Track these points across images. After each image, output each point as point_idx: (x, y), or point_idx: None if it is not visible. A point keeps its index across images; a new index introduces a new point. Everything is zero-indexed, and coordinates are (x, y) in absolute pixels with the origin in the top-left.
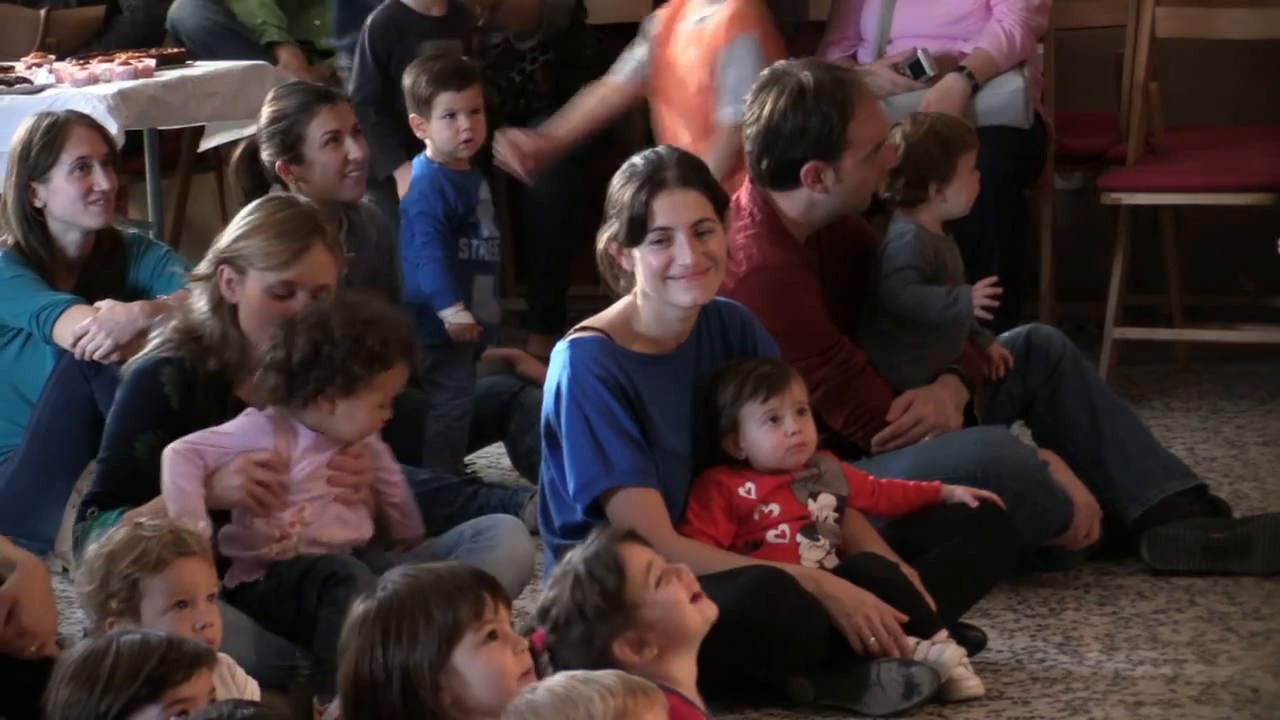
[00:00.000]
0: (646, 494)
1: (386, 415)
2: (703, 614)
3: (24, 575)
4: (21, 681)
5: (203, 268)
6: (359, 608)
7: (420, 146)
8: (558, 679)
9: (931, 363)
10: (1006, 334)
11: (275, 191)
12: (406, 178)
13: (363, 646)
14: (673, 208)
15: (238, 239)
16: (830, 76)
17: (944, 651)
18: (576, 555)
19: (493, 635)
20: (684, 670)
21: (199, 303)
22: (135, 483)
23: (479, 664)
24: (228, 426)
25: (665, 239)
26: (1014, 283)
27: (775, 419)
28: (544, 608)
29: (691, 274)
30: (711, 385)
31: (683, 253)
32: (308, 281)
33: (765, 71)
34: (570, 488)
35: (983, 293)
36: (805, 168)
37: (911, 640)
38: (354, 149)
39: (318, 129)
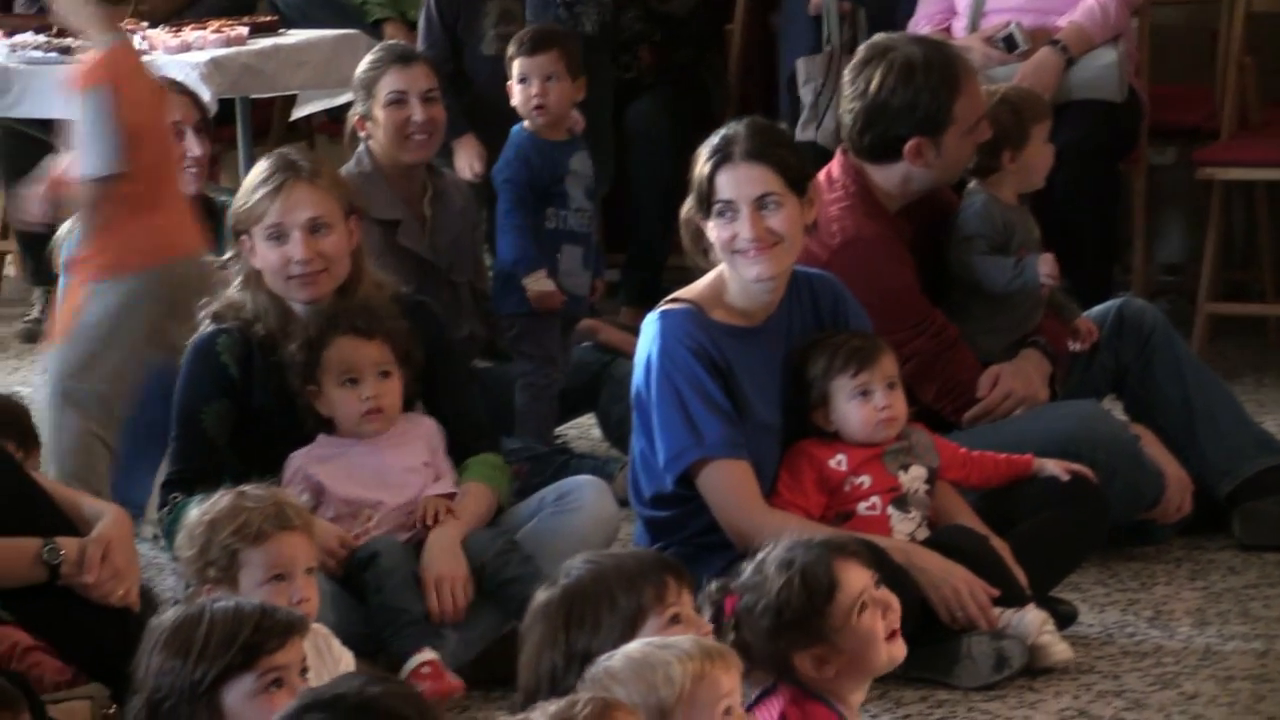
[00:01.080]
0: (737, 465)
1: None
2: (891, 655)
3: (114, 520)
4: (108, 644)
5: (231, 246)
6: (541, 595)
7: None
8: (634, 645)
9: (1005, 334)
10: (1098, 308)
11: (359, 150)
12: (468, 150)
13: (545, 633)
14: (735, 182)
15: (235, 207)
16: (938, 53)
17: (1026, 618)
18: (800, 551)
19: (676, 619)
20: (856, 696)
21: (235, 279)
22: (208, 455)
23: None
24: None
25: (729, 212)
26: (1107, 257)
27: (865, 393)
28: (746, 585)
29: (755, 249)
30: (802, 358)
31: (744, 227)
32: (292, 219)
33: (864, 47)
34: (661, 459)
35: (1049, 266)
36: (909, 144)
37: (997, 610)
38: (418, 112)
39: (385, 88)
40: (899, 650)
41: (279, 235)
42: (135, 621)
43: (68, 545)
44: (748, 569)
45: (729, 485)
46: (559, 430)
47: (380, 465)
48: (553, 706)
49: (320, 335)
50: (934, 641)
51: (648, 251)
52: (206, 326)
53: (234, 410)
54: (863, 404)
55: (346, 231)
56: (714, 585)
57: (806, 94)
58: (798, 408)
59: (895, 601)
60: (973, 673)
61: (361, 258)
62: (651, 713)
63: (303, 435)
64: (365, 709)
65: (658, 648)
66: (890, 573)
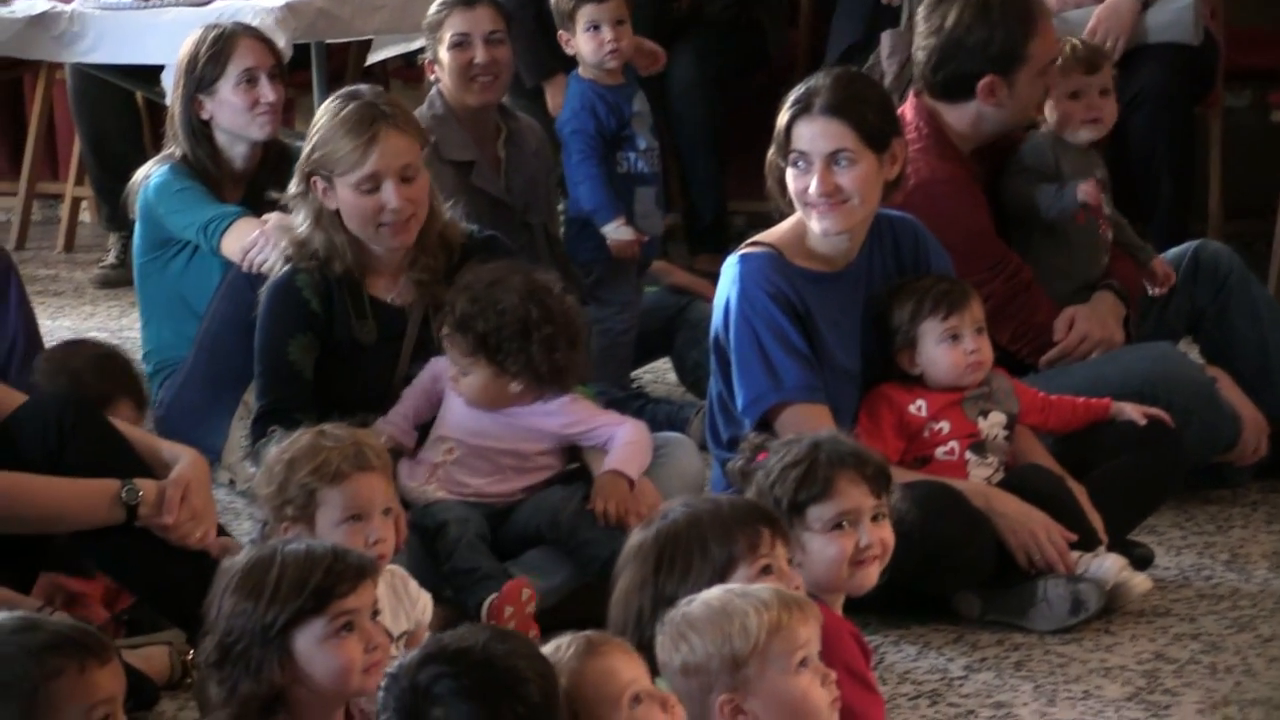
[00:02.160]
0: (815, 410)
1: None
2: (859, 581)
3: (191, 463)
4: (186, 588)
5: (294, 185)
6: (636, 536)
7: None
8: (714, 592)
9: (1071, 277)
10: (1174, 251)
11: (431, 92)
12: (557, 92)
13: (635, 576)
14: (810, 136)
15: (314, 149)
16: None
17: (1104, 563)
18: (828, 446)
19: (767, 570)
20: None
21: (298, 218)
22: (297, 387)
23: None
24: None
25: (803, 163)
26: (1182, 201)
27: (955, 337)
28: (776, 448)
29: (824, 205)
30: (887, 301)
31: (813, 182)
32: (387, 169)
33: None
34: (739, 403)
35: (1088, 188)
36: (982, 82)
37: (1074, 555)
38: (480, 53)
39: (449, 30)
40: (866, 579)
41: (374, 187)
42: (212, 565)
43: (146, 487)
44: (783, 440)
45: (807, 430)
46: (634, 374)
47: (502, 432)
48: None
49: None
50: (1010, 585)
51: (704, 192)
52: (282, 267)
53: (317, 344)
54: (951, 348)
55: (425, 175)
56: (754, 435)
57: (891, 66)
58: (877, 353)
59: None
60: (1048, 616)
61: (434, 196)
62: (725, 660)
63: (380, 374)
64: (487, 666)
65: (737, 596)
66: (968, 516)
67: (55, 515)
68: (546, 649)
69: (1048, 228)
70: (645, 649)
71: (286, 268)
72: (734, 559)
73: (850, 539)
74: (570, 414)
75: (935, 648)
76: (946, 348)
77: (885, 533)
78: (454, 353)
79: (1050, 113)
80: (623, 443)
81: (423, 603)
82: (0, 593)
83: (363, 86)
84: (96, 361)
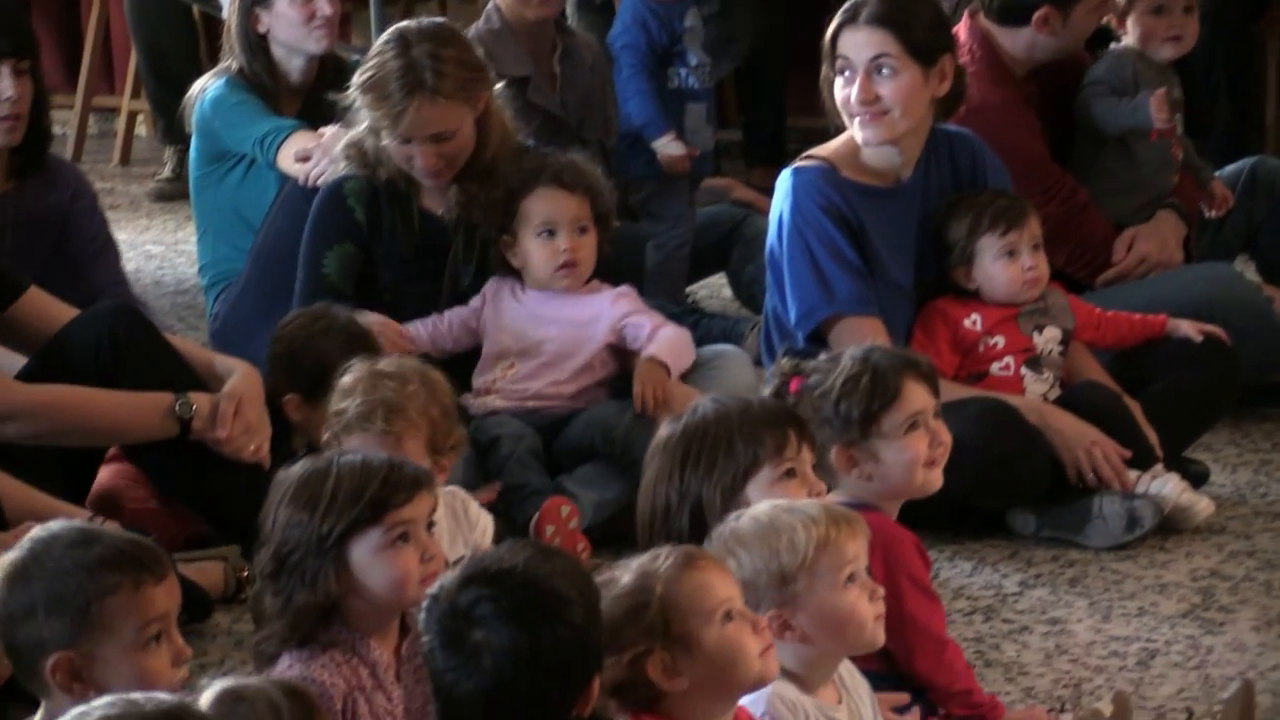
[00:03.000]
0: (868, 322)
1: None
2: (928, 482)
3: (245, 376)
4: (241, 502)
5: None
6: (665, 429)
7: None
8: (762, 507)
9: (1136, 195)
10: (1231, 168)
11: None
12: None
13: (662, 468)
14: (853, 43)
15: (358, 86)
16: None
17: (1165, 484)
18: (878, 354)
19: (790, 473)
20: (893, 511)
21: (356, 118)
22: (328, 299)
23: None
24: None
25: (847, 71)
26: (1240, 117)
27: (1012, 253)
28: (817, 367)
29: (865, 114)
30: (945, 216)
31: (853, 89)
32: (416, 135)
33: None
34: (791, 316)
35: (1157, 103)
36: (1038, 13)
37: (1133, 474)
38: None
39: None
40: (935, 480)
41: (405, 141)
42: (266, 478)
43: (200, 400)
44: (823, 356)
45: (862, 340)
46: (689, 289)
47: (559, 318)
48: (635, 561)
49: (522, 184)
50: (1065, 501)
51: (763, 106)
52: (338, 170)
53: (359, 255)
54: (1009, 264)
55: (471, 126)
56: (785, 360)
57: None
58: (932, 269)
59: (944, 429)
60: (1104, 533)
61: (496, 121)
62: (774, 576)
63: (425, 287)
64: (528, 587)
65: (784, 511)
66: (1023, 432)
67: (109, 428)
68: (644, 556)
69: (1119, 143)
70: (673, 540)
71: (340, 174)
72: (759, 459)
73: (923, 440)
74: (623, 303)
75: (990, 564)
76: (1004, 263)
77: (945, 431)
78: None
79: (1131, 28)
80: (665, 338)
81: (482, 525)
82: (51, 503)
83: (419, 28)
84: (347, 340)
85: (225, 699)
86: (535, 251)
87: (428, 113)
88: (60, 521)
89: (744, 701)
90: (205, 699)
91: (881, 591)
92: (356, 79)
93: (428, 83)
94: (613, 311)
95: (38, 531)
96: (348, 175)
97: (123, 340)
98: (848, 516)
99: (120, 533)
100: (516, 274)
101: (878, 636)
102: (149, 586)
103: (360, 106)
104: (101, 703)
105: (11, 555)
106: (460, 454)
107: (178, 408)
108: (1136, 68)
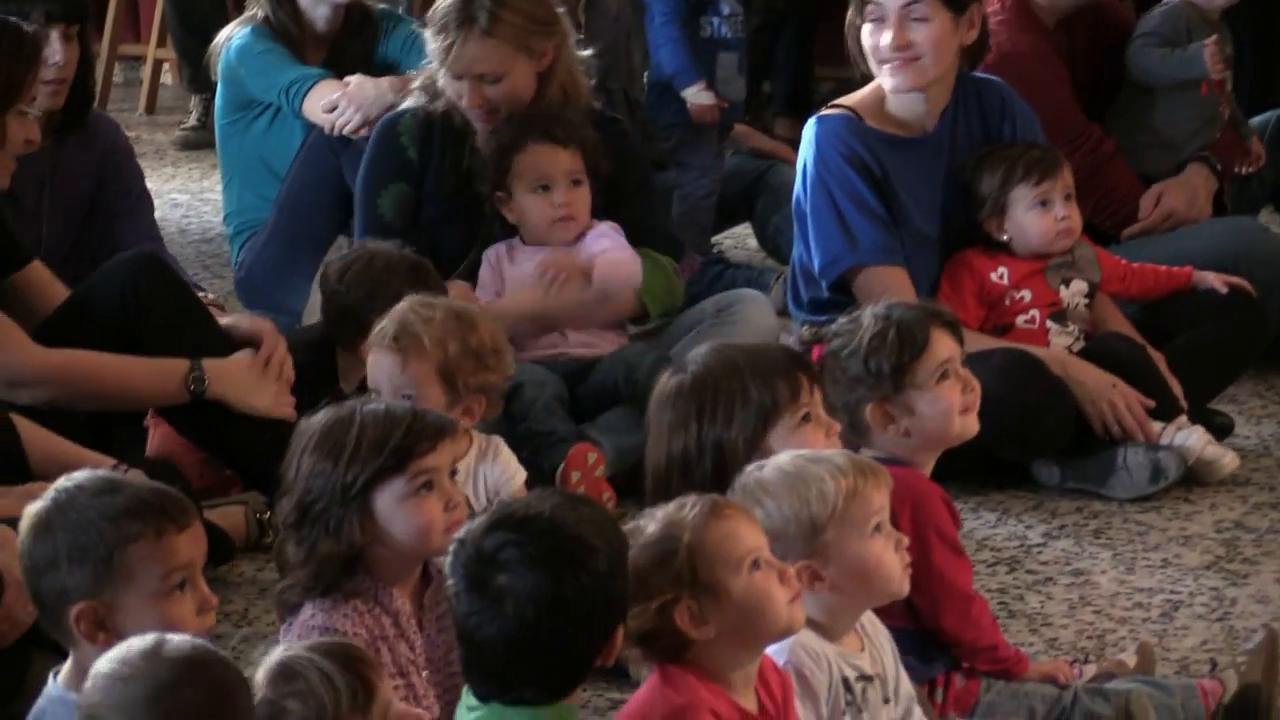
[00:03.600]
0: (892, 271)
1: None
2: (965, 429)
3: (272, 334)
4: (260, 447)
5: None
6: (670, 381)
7: None
8: (785, 457)
9: (1183, 148)
10: (1258, 118)
11: None
12: None
13: (675, 420)
14: None
15: (426, 17)
16: None
17: (1190, 436)
18: (899, 309)
19: (807, 418)
20: (929, 465)
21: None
22: (384, 238)
23: (794, 446)
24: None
25: (877, 18)
26: (1265, 69)
27: (1045, 203)
28: (838, 331)
29: (896, 60)
30: (975, 167)
31: (886, 35)
32: (464, 72)
33: None
34: (816, 265)
35: (1210, 51)
36: None
37: (1156, 425)
38: None
39: None
40: (973, 426)
41: (456, 77)
42: (289, 427)
43: (213, 368)
44: (841, 320)
45: (884, 292)
46: (715, 239)
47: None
48: (661, 510)
49: (513, 140)
50: (1090, 453)
51: (790, 57)
52: (401, 104)
53: (412, 194)
54: (1042, 214)
55: (527, 75)
56: (805, 329)
57: None
58: (959, 220)
59: (970, 377)
60: (1128, 484)
61: (563, 78)
62: (804, 526)
63: (465, 226)
64: (554, 534)
65: (810, 461)
66: (1048, 384)
67: (122, 394)
68: (670, 505)
69: (1166, 97)
70: (696, 489)
71: (399, 109)
72: (777, 405)
73: (955, 387)
74: (603, 241)
75: (1014, 515)
76: (1037, 214)
77: (974, 378)
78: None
79: None
80: (607, 257)
81: (511, 472)
82: (77, 451)
83: None
84: (409, 272)
85: (278, 676)
86: (531, 207)
87: (475, 50)
88: (85, 471)
89: (767, 651)
90: (260, 676)
91: (906, 541)
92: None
93: (480, 21)
94: (598, 250)
95: (62, 482)
96: (403, 110)
97: (144, 290)
98: (873, 467)
99: (144, 481)
100: (514, 231)
101: (904, 586)
102: (172, 535)
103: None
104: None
105: (36, 505)
106: (493, 404)
107: (191, 382)
108: (1190, 19)
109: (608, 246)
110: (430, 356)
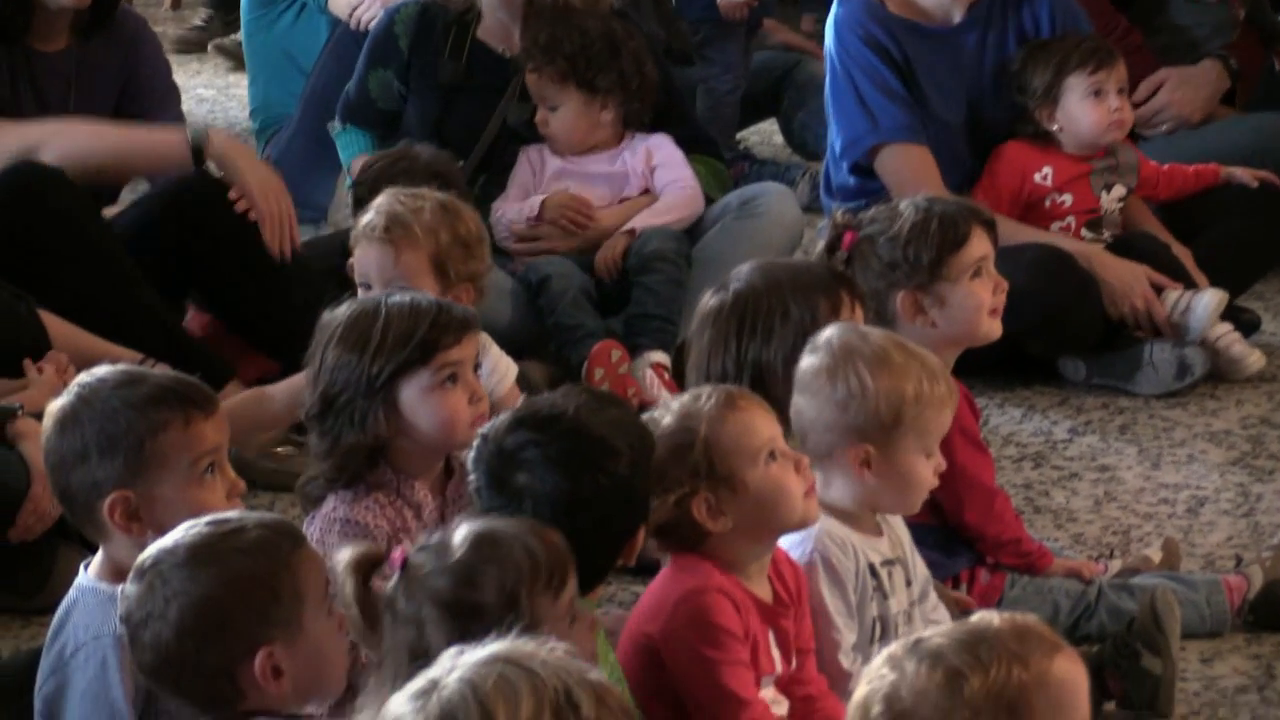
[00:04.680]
0: (915, 150)
1: None
2: (990, 330)
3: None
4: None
5: None
6: (712, 300)
7: None
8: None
9: (1194, 48)
10: None
11: None
12: None
13: (715, 338)
14: None
15: None
16: None
17: (1202, 298)
18: (940, 202)
19: None
20: (950, 362)
21: None
22: (369, 113)
23: None
24: None
25: None
26: None
27: (1099, 93)
28: (874, 218)
29: None
30: (1028, 56)
31: None
32: None
33: None
34: (837, 147)
35: None
36: None
37: (1174, 293)
38: None
39: None
40: (996, 328)
41: None
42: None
43: (214, 133)
44: (877, 209)
45: (909, 169)
46: (740, 135)
47: (598, 173)
48: (677, 402)
49: (558, 91)
50: (1116, 349)
51: None
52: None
53: (397, 86)
54: (1096, 104)
55: None
56: (840, 214)
57: None
58: (992, 112)
59: (1000, 280)
60: (1154, 380)
61: None
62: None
63: (469, 117)
64: (576, 435)
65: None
66: (1077, 279)
67: (124, 158)
68: (685, 397)
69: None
70: None
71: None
72: (817, 321)
73: (987, 286)
74: (655, 155)
75: (1040, 411)
76: (1091, 103)
77: (1004, 281)
78: (543, 87)
79: None
80: (657, 205)
81: (502, 370)
82: (101, 345)
83: None
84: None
85: (482, 541)
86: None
87: None
88: (105, 366)
89: (787, 543)
90: (457, 540)
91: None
92: None
93: None
94: (643, 166)
95: (83, 377)
96: (401, 5)
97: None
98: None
99: (166, 372)
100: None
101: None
102: (199, 421)
103: None
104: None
105: (60, 402)
106: (478, 292)
107: (192, 141)
108: None
109: (678, 179)
110: (422, 247)
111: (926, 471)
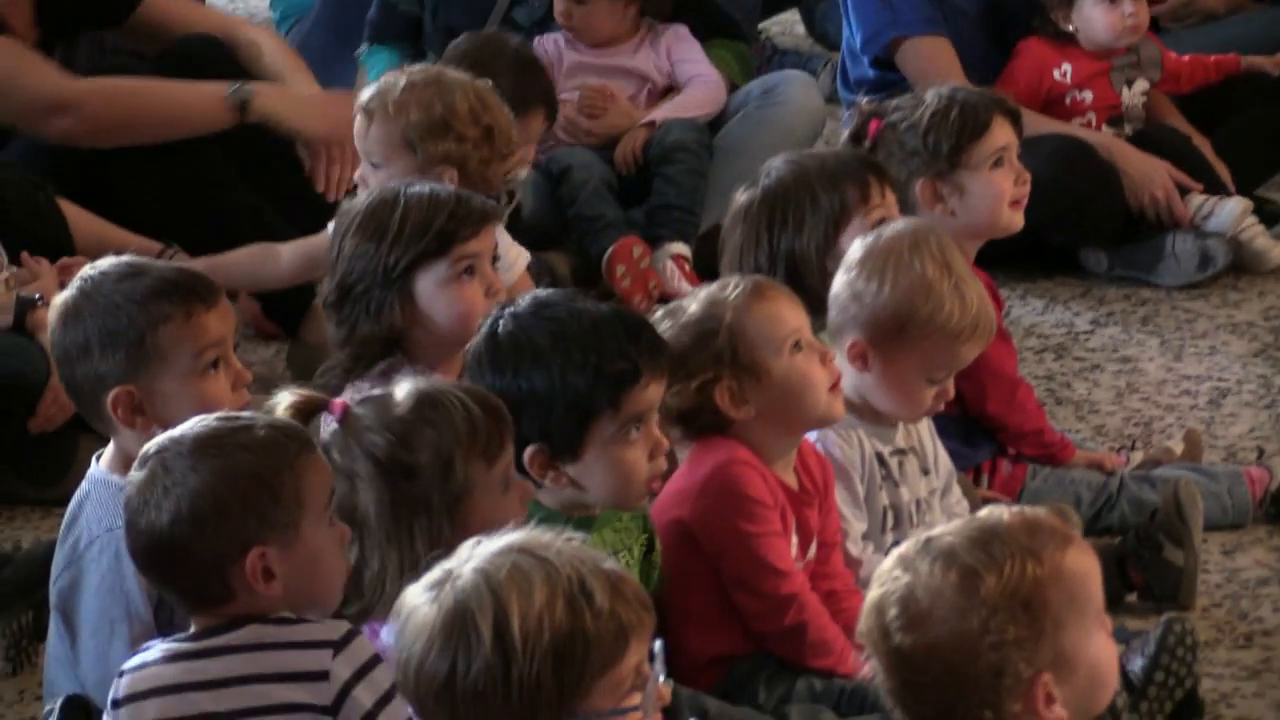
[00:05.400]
0: (936, 41)
1: None
2: (1011, 221)
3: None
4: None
5: None
6: (743, 196)
7: None
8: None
9: None
10: None
11: None
12: None
13: (747, 234)
14: None
15: None
16: None
17: (1226, 205)
18: (964, 91)
19: (881, 221)
20: (972, 252)
21: None
22: (393, 23)
23: None
24: None
25: None
26: None
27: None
28: (899, 106)
29: None
30: None
31: None
32: None
33: None
34: (857, 41)
35: None
36: None
37: (1199, 198)
38: None
39: None
40: (1019, 220)
41: None
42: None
43: (260, 87)
44: (901, 98)
45: (929, 62)
46: (762, 26)
47: (619, 68)
48: (704, 290)
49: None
50: (1138, 239)
51: None
52: None
53: None
54: (1110, 9)
55: None
56: (865, 102)
57: None
58: (1012, 3)
59: (1025, 173)
60: (1176, 271)
61: None
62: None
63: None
64: (557, 321)
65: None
66: (1098, 170)
67: (166, 117)
68: (713, 286)
69: None
70: None
71: None
72: (846, 209)
73: (1008, 177)
74: (676, 49)
75: (1062, 302)
76: (1104, 8)
77: (1026, 172)
78: None
79: None
80: (680, 98)
81: (512, 257)
82: (123, 235)
83: None
84: (516, 65)
85: (423, 401)
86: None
87: None
88: (109, 258)
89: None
90: (399, 397)
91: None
92: None
93: None
94: (664, 60)
95: (86, 270)
96: None
97: None
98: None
99: (169, 264)
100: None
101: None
102: (201, 313)
103: None
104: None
105: (63, 295)
106: (473, 178)
107: (234, 97)
108: None
109: (701, 73)
110: (393, 121)
111: (924, 394)
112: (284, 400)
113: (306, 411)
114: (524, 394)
